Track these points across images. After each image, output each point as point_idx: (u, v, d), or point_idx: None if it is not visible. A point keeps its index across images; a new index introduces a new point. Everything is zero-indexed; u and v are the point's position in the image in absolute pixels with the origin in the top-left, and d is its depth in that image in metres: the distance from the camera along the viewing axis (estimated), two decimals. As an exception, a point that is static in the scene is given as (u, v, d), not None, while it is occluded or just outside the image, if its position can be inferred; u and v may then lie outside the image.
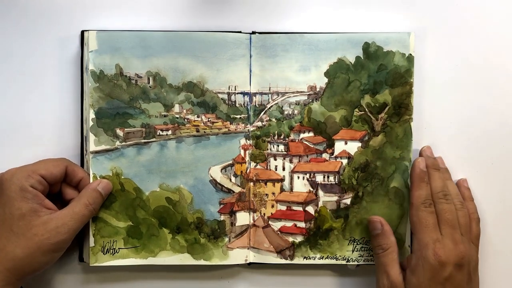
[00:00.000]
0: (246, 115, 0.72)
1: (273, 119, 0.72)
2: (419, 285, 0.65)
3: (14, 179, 0.64)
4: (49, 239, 0.64)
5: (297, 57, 0.71)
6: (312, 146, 0.73)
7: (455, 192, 0.70)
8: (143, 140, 0.71)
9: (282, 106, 0.72)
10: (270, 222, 0.73)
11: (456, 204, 0.68)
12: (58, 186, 0.69)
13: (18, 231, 0.63)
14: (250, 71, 0.72)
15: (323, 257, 0.73)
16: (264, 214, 0.73)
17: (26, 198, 0.64)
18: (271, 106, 0.72)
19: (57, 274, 0.72)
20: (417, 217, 0.67)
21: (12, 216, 0.63)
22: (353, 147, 0.72)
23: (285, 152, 0.73)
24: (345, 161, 0.72)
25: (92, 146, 0.70)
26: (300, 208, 0.73)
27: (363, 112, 0.72)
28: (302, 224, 0.73)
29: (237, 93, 0.72)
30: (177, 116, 0.72)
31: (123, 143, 0.71)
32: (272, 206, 0.73)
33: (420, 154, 0.72)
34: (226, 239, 0.72)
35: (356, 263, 0.73)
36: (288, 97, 0.72)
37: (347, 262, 0.72)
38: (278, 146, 0.73)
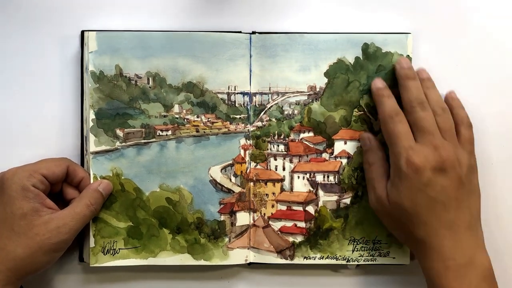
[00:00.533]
0: (246, 115, 0.72)
1: (273, 119, 0.72)
2: (399, 196, 0.63)
3: (16, 178, 0.64)
4: (50, 239, 0.63)
5: (297, 57, 0.71)
6: (312, 146, 0.73)
7: (436, 99, 0.67)
8: (143, 141, 0.71)
9: (282, 106, 0.72)
10: (270, 222, 0.73)
11: (435, 111, 0.66)
12: (59, 185, 0.69)
13: (19, 231, 0.63)
14: (250, 71, 0.72)
15: (323, 257, 0.73)
16: (264, 214, 0.73)
17: (28, 197, 0.63)
18: (271, 106, 0.72)
19: (57, 274, 0.72)
20: (385, 131, 0.66)
21: (13, 215, 0.63)
22: (352, 147, 0.72)
23: (285, 152, 0.73)
24: (344, 161, 0.72)
25: (92, 146, 0.70)
26: (300, 208, 0.73)
27: (362, 112, 0.72)
28: (302, 224, 0.73)
29: (237, 93, 0.72)
30: (177, 116, 0.72)
31: (123, 144, 0.71)
32: (272, 206, 0.73)
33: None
34: (226, 239, 0.72)
35: (356, 263, 0.73)
36: (288, 97, 0.72)
37: (347, 262, 0.72)
38: (278, 146, 0.73)
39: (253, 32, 0.72)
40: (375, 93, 0.68)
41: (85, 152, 0.71)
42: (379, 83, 0.68)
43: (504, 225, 0.72)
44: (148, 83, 0.71)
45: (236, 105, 0.72)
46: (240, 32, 0.71)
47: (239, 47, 0.71)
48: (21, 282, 0.64)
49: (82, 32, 0.70)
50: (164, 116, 0.71)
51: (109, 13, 0.72)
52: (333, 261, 0.73)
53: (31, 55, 0.72)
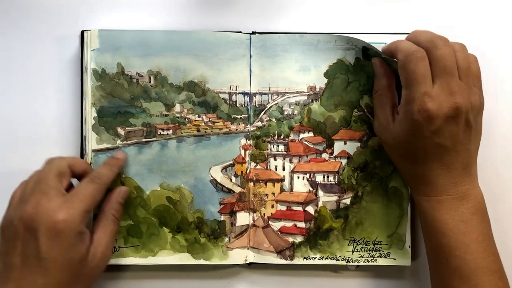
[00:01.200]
0: (246, 115, 0.73)
1: (273, 119, 0.73)
2: (404, 137, 0.64)
3: (71, 225, 0.61)
4: (100, 267, 0.65)
5: (297, 57, 0.72)
6: (312, 146, 0.73)
7: (449, 41, 0.64)
8: (144, 139, 0.72)
9: (282, 106, 0.73)
10: (270, 222, 0.73)
11: (455, 47, 0.63)
12: None
13: (78, 273, 0.62)
14: (250, 71, 0.72)
15: (323, 257, 0.72)
16: (264, 214, 0.73)
17: (83, 239, 0.63)
18: (271, 106, 0.73)
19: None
20: (404, 71, 0.62)
21: (73, 260, 0.61)
22: (352, 147, 0.73)
23: (285, 152, 0.73)
24: (344, 161, 0.73)
25: (93, 144, 0.71)
26: (300, 208, 0.73)
27: (362, 113, 0.72)
28: (302, 224, 0.73)
29: (238, 93, 0.72)
30: (178, 115, 0.72)
31: (124, 142, 0.71)
32: (272, 206, 0.73)
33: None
34: (226, 239, 0.72)
35: (356, 263, 0.72)
36: (288, 97, 0.72)
37: (347, 262, 0.72)
38: (278, 146, 0.73)
39: (253, 32, 0.73)
40: (386, 51, 0.67)
41: (84, 151, 0.71)
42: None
43: (504, 225, 0.72)
44: (150, 81, 0.71)
45: (237, 105, 0.72)
46: (240, 32, 0.72)
47: (239, 47, 0.71)
48: None
49: (82, 32, 0.71)
50: (165, 115, 0.72)
51: (109, 13, 0.73)
52: (333, 262, 0.72)
53: (31, 55, 0.73)
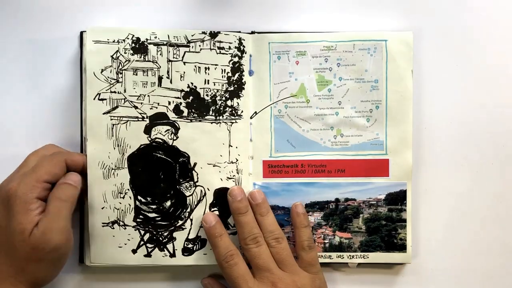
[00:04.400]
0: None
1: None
2: None
3: (19, 192, 0.62)
4: (45, 249, 0.62)
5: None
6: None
7: (269, 228, 0.68)
8: (143, 140, 0.71)
9: (282, 106, 0.72)
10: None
11: (269, 243, 0.68)
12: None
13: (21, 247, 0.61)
14: (250, 71, 0.72)
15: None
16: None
17: (31, 210, 0.62)
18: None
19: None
20: (224, 275, 0.67)
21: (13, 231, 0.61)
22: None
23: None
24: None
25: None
26: (300, 208, 0.73)
27: (363, 112, 0.72)
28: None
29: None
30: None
31: (123, 142, 0.71)
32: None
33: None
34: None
35: (357, 261, 0.73)
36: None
37: (348, 259, 0.73)
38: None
39: (253, 32, 0.71)
40: (206, 233, 0.69)
41: (84, 152, 0.70)
42: (208, 219, 0.69)
43: (504, 225, 0.72)
44: (149, 82, 0.70)
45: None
46: (240, 32, 0.71)
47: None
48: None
49: (81, 33, 0.70)
50: (165, 115, 0.71)
51: (109, 14, 0.72)
52: (334, 259, 0.73)
53: (30, 55, 0.72)
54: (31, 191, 0.62)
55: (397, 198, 0.72)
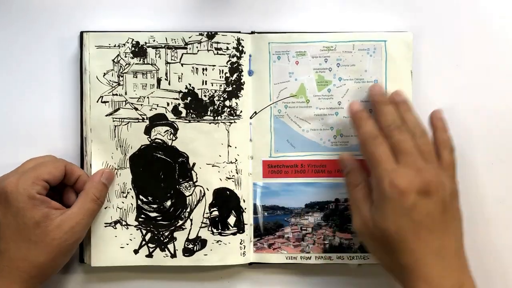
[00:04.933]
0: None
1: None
2: (383, 220, 0.60)
3: (20, 189, 0.63)
4: (67, 241, 0.64)
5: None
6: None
7: (413, 122, 0.65)
8: (143, 140, 0.72)
9: (280, 106, 0.72)
10: (269, 223, 0.74)
11: (414, 133, 0.64)
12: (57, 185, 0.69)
13: (36, 239, 0.63)
14: (250, 71, 0.72)
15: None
16: (264, 214, 0.73)
17: (36, 205, 0.64)
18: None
19: (57, 275, 0.72)
20: (366, 153, 0.64)
21: (26, 226, 0.63)
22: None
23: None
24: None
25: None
26: (300, 208, 0.73)
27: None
28: (302, 224, 0.73)
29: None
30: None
31: (123, 143, 0.72)
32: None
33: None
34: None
35: (358, 262, 0.72)
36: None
37: (349, 260, 0.72)
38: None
39: (253, 32, 0.72)
40: (352, 117, 0.67)
41: (85, 152, 0.72)
42: (356, 106, 0.67)
43: (504, 225, 0.71)
44: (148, 81, 0.72)
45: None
46: (240, 32, 0.72)
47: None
48: (43, 284, 0.66)
49: (81, 33, 0.71)
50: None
51: (109, 14, 0.73)
52: (335, 260, 0.72)
53: (30, 55, 0.73)
54: (31, 187, 0.64)
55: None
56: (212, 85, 0.71)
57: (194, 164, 0.72)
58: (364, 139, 0.64)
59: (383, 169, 0.61)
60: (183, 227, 0.72)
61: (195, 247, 0.72)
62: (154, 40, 0.71)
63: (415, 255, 0.60)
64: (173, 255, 0.72)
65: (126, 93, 0.71)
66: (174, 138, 0.72)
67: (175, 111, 0.71)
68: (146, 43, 0.71)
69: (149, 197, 0.72)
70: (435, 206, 0.60)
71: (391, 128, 0.64)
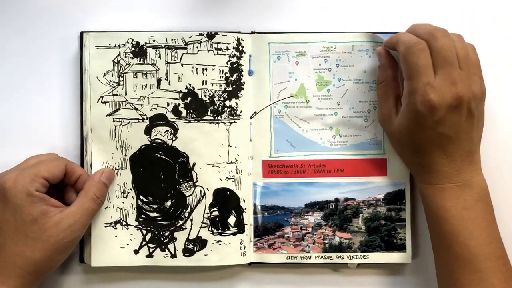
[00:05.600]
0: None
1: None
2: (407, 127, 0.64)
3: (18, 186, 0.64)
4: (64, 238, 0.64)
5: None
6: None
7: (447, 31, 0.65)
8: (143, 140, 0.73)
9: (280, 106, 0.73)
10: (269, 222, 0.74)
11: (453, 37, 0.64)
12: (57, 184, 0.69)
13: (34, 236, 0.64)
14: (250, 71, 0.73)
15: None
16: (264, 214, 0.73)
17: (34, 202, 0.64)
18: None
19: (57, 275, 0.73)
20: (406, 63, 0.63)
21: (24, 222, 0.64)
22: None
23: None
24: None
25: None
26: (300, 208, 0.73)
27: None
28: (302, 224, 0.73)
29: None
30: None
31: (123, 143, 0.72)
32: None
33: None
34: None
35: (357, 261, 0.72)
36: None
37: (348, 260, 0.72)
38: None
39: (253, 32, 0.72)
40: (388, 45, 0.67)
41: (85, 152, 0.72)
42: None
43: (504, 226, 0.71)
44: (147, 84, 0.72)
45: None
46: (240, 32, 0.72)
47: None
48: (40, 282, 0.66)
49: (81, 33, 0.71)
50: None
51: (109, 14, 0.73)
52: (334, 260, 0.72)
53: (30, 55, 0.73)
54: (30, 184, 0.64)
55: (396, 198, 0.72)
56: (212, 85, 0.72)
57: (194, 164, 0.72)
58: (407, 46, 0.63)
59: (419, 81, 0.62)
60: (183, 227, 0.72)
61: (195, 247, 0.72)
62: (154, 40, 0.71)
63: (429, 157, 0.64)
64: (173, 255, 0.72)
65: (126, 93, 0.71)
66: (174, 138, 0.72)
67: (175, 111, 0.71)
68: (146, 43, 0.71)
69: (149, 197, 0.72)
70: (461, 117, 0.63)
71: (433, 31, 0.63)
